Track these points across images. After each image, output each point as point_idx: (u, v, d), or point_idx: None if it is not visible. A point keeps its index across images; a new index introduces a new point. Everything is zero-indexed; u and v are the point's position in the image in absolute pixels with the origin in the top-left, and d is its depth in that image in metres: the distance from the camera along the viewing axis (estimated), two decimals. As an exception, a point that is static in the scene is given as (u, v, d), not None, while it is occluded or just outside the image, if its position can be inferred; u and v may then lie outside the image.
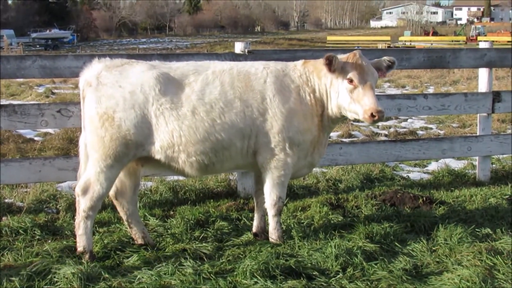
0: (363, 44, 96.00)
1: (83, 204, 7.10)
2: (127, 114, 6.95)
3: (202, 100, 7.08)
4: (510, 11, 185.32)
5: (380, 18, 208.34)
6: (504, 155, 12.61)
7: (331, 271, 6.69)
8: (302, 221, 8.45)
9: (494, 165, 12.05)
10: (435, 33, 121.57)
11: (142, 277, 6.44)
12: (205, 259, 7.04)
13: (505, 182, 10.82)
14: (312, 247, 7.36)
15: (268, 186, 7.49)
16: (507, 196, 9.76)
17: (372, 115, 7.05)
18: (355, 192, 9.98)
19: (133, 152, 7.07)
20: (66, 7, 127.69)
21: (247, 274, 6.46)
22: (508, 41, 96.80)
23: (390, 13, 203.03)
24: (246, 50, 9.43)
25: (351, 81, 7.20)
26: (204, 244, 7.50)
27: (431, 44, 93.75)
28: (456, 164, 12.42)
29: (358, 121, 8.03)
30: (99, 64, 7.21)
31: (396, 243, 7.54)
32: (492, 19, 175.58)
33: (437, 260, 7.13)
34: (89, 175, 7.11)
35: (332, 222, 8.36)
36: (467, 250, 7.29)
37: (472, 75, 32.85)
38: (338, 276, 6.58)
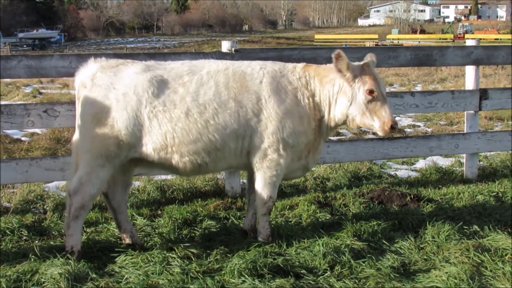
0: (350, 42, 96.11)
1: (74, 204, 7.07)
2: (119, 115, 6.94)
3: (196, 102, 7.06)
4: (497, 9, 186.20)
5: (368, 17, 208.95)
6: (491, 152, 12.66)
7: (319, 270, 6.70)
8: (290, 220, 8.45)
9: (481, 163, 12.08)
10: (422, 31, 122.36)
11: (130, 277, 6.42)
12: (193, 259, 7.01)
13: (492, 179, 10.86)
14: (300, 245, 7.36)
15: (260, 185, 7.47)
16: (494, 193, 9.78)
17: (392, 127, 7.18)
18: (343, 190, 10.00)
19: (125, 153, 7.07)
20: (53, 7, 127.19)
21: (235, 273, 6.45)
22: (495, 39, 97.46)
23: (378, 11, 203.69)
24: (233, 49, 9.42)
25: (371, 92, 7.22)
26: (192, 243, 7.48)
27: (419, 42, 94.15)
28: (444, 162, 12.45)
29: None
30: (94, 65, 7.22)
31: (384, 241, 7.56)
32: (479, 17, 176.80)
33: (425, 257, 7.15)
34: (81, 174, 7.09)
35: (320, 220, 8.37)
36: (454, 247, 7.31)
37: (460, 72, 32.96)
38: (326, 274, 6.58)
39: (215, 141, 7.12)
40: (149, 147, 7.06)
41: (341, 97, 7.36)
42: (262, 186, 7.46)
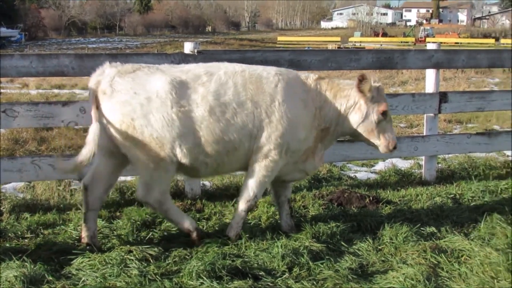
0: (313, 44, 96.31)
1: (153, 206, 7.42)
2: (146, 120, 7.00)
3: (217, 101, 7.21)
4: (458, 13, 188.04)
5: (330, 19, 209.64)
6: (450, 155, 12.75)
7: (278, 271, 6.71)
8: (249, 221, 8.43)
9: (440, 165, 12.17)
10: (384, 34, 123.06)
11: (87, 279, 6.40)
12: (151, 261, 6.99)
13: (450, 181, 10.97)
14: (259, 247, 7.37)
15: (250, 181, 7.62)
16: (452, 195, 9.86)
17: (394, 147, 7.81)
18: (303, 192, 10.01)
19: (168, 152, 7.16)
20: (14, 5, 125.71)
21: (193, 275, 6.44)
22: (456, 43, 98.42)
23: (341, 14, 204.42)
24: (196, 50, 9.40)
25: (384, 113, 7.63)
26: (150, 245, 7.43)
27: (381, 45, 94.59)
28: (403, 164, 12.54)
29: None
30: (111, 70, 7.21)
31: (343, 243, 7.59)
32: (440, 21, 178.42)
33: (383, 259, 7.22)
34: (143, 179, 7.35)
35: (279, 222, 8.37)
36: (412, 248, 7.38)
37: (420, 75, 33.16)
38: (285, 276, 6.60)
39: (234, 140, 7.29)
40: (183, 147, 7.15)
41: (355, 112, 7.72)
42: (252, 183, 7.61)
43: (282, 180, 8.01)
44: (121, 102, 7.02)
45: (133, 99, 7.01)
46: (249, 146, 7.41)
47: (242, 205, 7.67)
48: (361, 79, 7.53)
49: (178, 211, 7.69)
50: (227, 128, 7.21)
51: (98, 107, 7.11)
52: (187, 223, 7.54)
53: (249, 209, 7.73)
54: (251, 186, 7.59)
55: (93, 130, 6.97)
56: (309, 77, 7.81)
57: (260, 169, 7.50)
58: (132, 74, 7.17)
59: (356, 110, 7.67)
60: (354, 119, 7.69)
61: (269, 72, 7.58)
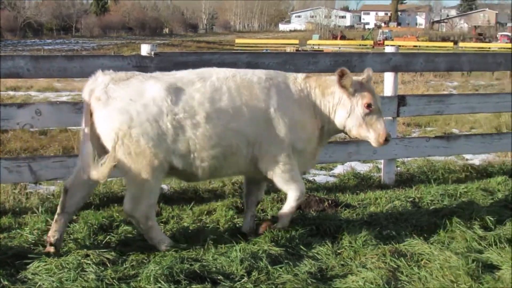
0: (271, 47, 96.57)
1: (138, 220, 7.35)
2: (143, 128, 6.97)
3: (213, 106, 7.23)
4: (417, 16, 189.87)
5: (289, 22, 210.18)
6: (409, 158, 12.84)
7: (236, 275, 6.69)
8: (207, 225, 8.43)
9: (399, 168, 12.24)
10: (343, 37, 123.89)
11: (43, 284, 6.34)
12: (109, 265, 6.93)
13: (409, 185, 11.04)
14: (218, 251, 7.34)
15: (284, 187, 7.82)
16: (411, 199, 9.93)
17: (386, 140, 7.76)
18: (261, 195, 9.96)
19: (163, 162, 7.16)
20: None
21: (151, 279, 6.40)
22: (414, 46, 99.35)
23: (299, 16, 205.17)
24: (153, 53, 9.35)
25: (369, 106, 7.65)
26: (107, 249, 7.38)
27: (339, 48, 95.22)
28: (362, 167, 12.58)
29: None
30: (104, 77, 7.19)
31: (302, 247, 7.59)
32: (399, 24, 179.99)
33: (342, 263, 7.23)
34: (130, 192, 7.33)
35: (238, 226, 8.37)
36: (371, 252, 7.42)
37: (379, 79, 33.24)
38: (243, 280, 6.59)
39: (231, 145, 7.33)
40: (176, 155, 7.14)
41: (340, 109, 7.78)
42: (287, 187, 7.80)
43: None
44: (117, 109, 6.97)
45: (130, 106, 6.98)
46: (247, 153, 7.45)
47: (292, 203, 7.88)
48: (341, 75, 7.60)
49: (160, 230, 7.69)
50: (224, 133, 7.24)
51: (91, 118, 7.10)
52: (166, 244, 7.47)
53: (299, 205, 8.19)
54: (291, 190, 7.79)
55: (88, 152, 6.98)
56: (298, 77, 7.88)
57: (280, 175, 7.63)
58: (126, 81, 7.16)
59: (341, 106, 7.73)
60: (341, 115, 7.75)
61: (259, 77, 7.62)
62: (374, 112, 7.71)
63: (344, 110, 7.72)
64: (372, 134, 7.73)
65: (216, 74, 7.48)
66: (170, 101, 7.06)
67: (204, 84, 7.30)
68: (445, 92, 28.29)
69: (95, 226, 8.21)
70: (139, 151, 6.99)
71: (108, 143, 7.04)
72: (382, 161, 11.58)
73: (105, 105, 7.00)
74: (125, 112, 6.96)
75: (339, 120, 7.78)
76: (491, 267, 7.12)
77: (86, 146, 6.99)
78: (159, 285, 6.31)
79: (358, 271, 6.89)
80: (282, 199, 9.62)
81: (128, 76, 7.25)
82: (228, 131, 7.26)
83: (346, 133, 8.01)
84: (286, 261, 7.07)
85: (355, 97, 7.68)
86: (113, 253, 7.26)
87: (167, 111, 7.04)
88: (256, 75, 7.66)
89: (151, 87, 7.10)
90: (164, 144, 7.06)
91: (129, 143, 6.97)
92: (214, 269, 6.82)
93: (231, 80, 7.45)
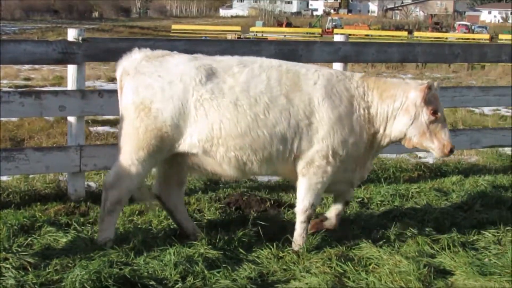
0: (211, 34, 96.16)
1: (109, 198, 7.52)
2: (164, 105, 7.23)
3: (246, 92, 7.29)
4: (369, 3, 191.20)
5: (230, 7, 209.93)
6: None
7: (170, 281, 6.72)
8: (139, 226, 8.42)
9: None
10: (289, 24, 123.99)
11: (-47, 291, 6.28)
12: (30, 269, 6.87)
13: (358, 185, 11.10)
14: (150, 254, 7.35)
15: (302, 192, 7.69)
16: (360, 199, 10.03)
17: (450, 151, 7.63)
18: (198, 194, 10.02)
19: (167, 147, 7.39)
20: None
21: (77, 285, 6.36)
22: (366, 35, 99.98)
23: (242, 1, 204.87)
24: (80, 38, 9.30)
25: (435, 112, 7.54)
26: (29, 252, 7.34)
27: (284, 36, 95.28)
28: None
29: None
30: (139, 54, 7.53)
31: (241, 250, 7.63)
32: (349, 11, 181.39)
33: (284, 267, 7.27)
34: (118, 168, 7.48)
35: (171, 227, 8.36)
36: (316, 256, 7.47)
37: (328, 70, 33.58)
38: (177, 285, 6.62)
39: (263, 137, 7.31)
40: (194, 138, 7.27)
41: (403, 114, 7.65)
42: (305, 193, 7.68)
43: (327, 190, 8.07)
44: (144, 84, 7.32)
45: (156, 82, 7.29)
46: (284, 149, 7.43)
47: (300, 217, 7.76)
48: (429, 89, 7.56)
49: (114, 223, 7.79)
50: (255, 122, 7.26)
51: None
52: (108, 240, 7.58)
53: (309, 219, 7.80)
54: (305, 196, 7.67)
55: None
56: (356, 74, 7.89)
57: (310, 176, 7.57)
58: (160, 58, 7.50)
59: (403, 111, 7.64)
60: (403, 122, 7.64)
61: (308, 69, 7.65)
62: (440, 120, 7.63)
63: (407, 116, 7.62)
64: (436, 144, 7.63)
65: (260, 62, 7.59)
66: (198, 80, 7.23)
67: (242, 70, 7.41)
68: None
69: (15, 227, 8.12)
70: (152, 128, 7.23)
71: (124, 113, 7.39)
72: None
73: (132, 79, 7.35)
74: (151, 88, 7.27)
75: (399, 127, 7.68)
76: (443, 272, 7.24)
77: None
78: (85, 290, 6.30)
79: (301, 276, 6.97)
80: (220, 198, 9.67)
81: (164, 54, 7.58)
82: (260, 121, 7.28)
83: (400, 142, 7.89)
84: (224, 265, 7.10)
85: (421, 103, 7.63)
86: (35, 256, 7.22)
87: (193, 90, 7.21)
88: (305, 67, 7.73)
89: (182, 65, 7.37)
90: (183, 124, 7.24)
91: (146, 117, 7.20)
92: (146, 273, 6.82)
93: (275, 70, 7.50)
